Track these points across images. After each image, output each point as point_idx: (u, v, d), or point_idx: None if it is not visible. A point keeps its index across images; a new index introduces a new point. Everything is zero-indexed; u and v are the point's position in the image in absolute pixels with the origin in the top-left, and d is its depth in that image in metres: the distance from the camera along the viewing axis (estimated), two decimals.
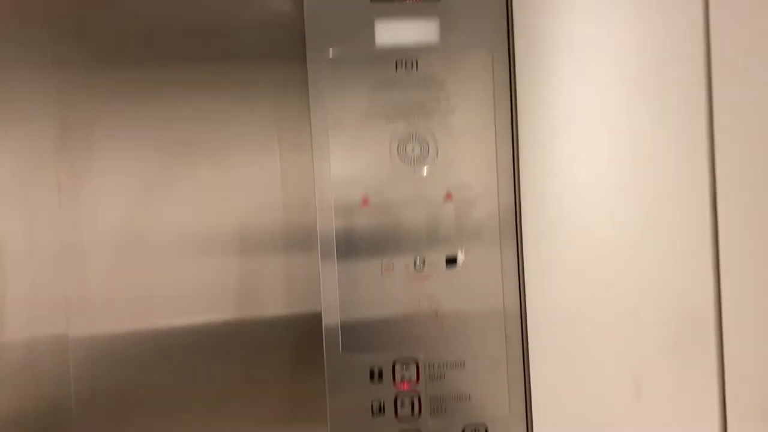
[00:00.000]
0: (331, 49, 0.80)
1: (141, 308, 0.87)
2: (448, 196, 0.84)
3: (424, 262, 0.84)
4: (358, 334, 0.85)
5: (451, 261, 0.85)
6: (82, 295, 0.85)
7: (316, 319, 0.87)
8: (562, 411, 0.77)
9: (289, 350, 0.92)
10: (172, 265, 0.87)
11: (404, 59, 0.78)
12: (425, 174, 0.85)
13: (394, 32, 0.70)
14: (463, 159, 0.84)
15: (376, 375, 0.85)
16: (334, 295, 0.84)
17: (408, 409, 0.86)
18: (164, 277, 0.87)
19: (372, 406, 0.85)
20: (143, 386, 0.88)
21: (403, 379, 0.86)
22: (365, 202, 0.84)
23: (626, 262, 0.59)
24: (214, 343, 0.90)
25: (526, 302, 0.86)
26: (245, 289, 0.91)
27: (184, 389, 0.91)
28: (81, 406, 0.87)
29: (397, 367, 0.86)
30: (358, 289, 0.85)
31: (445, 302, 0.85)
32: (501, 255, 0.86)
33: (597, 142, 0.58)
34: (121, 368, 0.87)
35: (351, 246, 0.85)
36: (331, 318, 0.85)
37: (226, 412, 0.92)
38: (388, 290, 0.85)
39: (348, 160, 0.84)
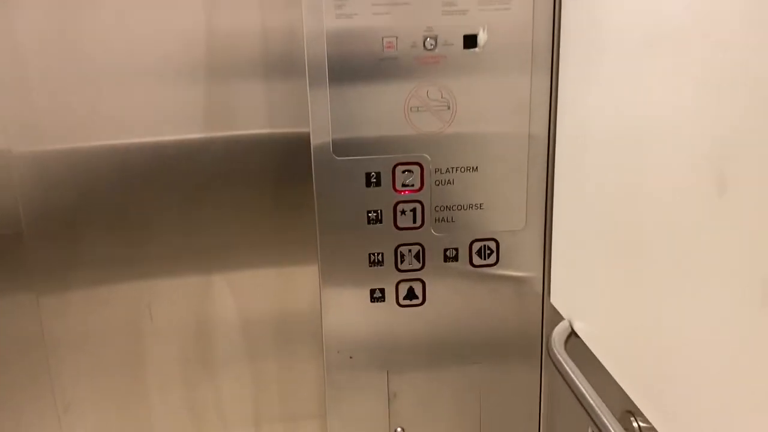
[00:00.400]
0: None
1: (93, 127, 0.75)
2: None
3: (435, 41, 0.68)
4: (352, 141, 0.71)
5: (470, 40, 0.69)
6: (24, 113, 0.73)
7: (302, 138, 0.73)
8: (584, 227, 0.66)
9: (273, 168, 0.79)
10: (133, 85, 0.74)
11: None
12: None
13: None
14: None
15: (373, 180, 0.72)
16: (324, 110, 0.69)
17: (409, 219, 0.74)
18: (126, 96, 0.74)
19: (368, 215, 0.73)
20: (98, 204, 0.77)
21: (404, 184, 0.73)
22: None
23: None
24: (182, 160, 0.77)
25: (557, 119, 0.72)
26: (217, 111, 0.77)
27: (150, 206, 0.79)
28: (31, 228, 0.77)
29: (398, 172, 0.72)
30: (355, 84, 0.69)
31: (461, 93, 0.71)
32: (532, 37, 0.70)
33: None
34: (72, 186, 0.76)
35: (345, 36, 0.68)
36: (321, 136, 0.70)
37: (197, 228, 0.80)
38: (387, 74, 0.69)
39: None
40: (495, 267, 0.77)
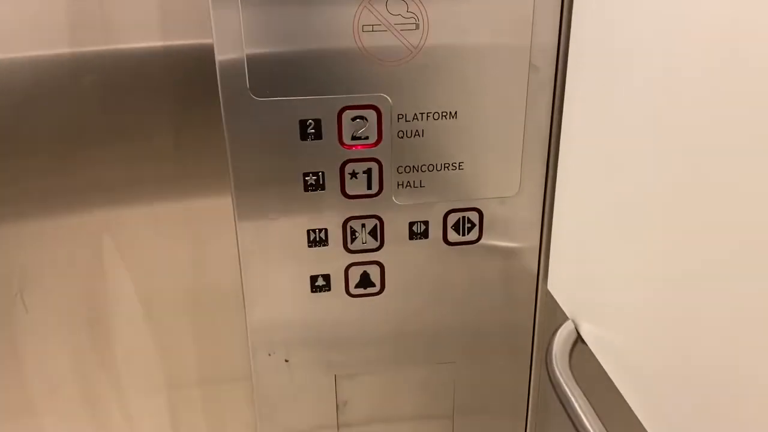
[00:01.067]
0: None
1: None
2: None
3: None
4: (276, 73, 0.49)
5: None
6: None
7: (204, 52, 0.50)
8: (601, 194, 0.47)
9: (169, 91, 0.57)
10: None
11: None
12: None
13: None
14: None
15: (310, 130, 0.52)
16: (233, 17, 0.47)
17: (362, 184, 0.54)
18: None
19: (305, 179, 0.53)
20: None
21: (355, 137, 0.52)
22: None
23: None
24: (46, 83, 0.55)
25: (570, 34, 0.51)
26: (86, 20, 0.53)
27: (11, 141, 0.56)
28: None
29: (346, 119, 0.52)
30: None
31: (434, 5, 0.49)
32: None
33: None
34: None
35: None
36: (228, 51, 0.48)
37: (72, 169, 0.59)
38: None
39: None
40: (476, 245, 0.58)
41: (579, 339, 0.53)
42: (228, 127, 0.51)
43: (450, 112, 0.53)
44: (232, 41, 0.48)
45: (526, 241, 0.58)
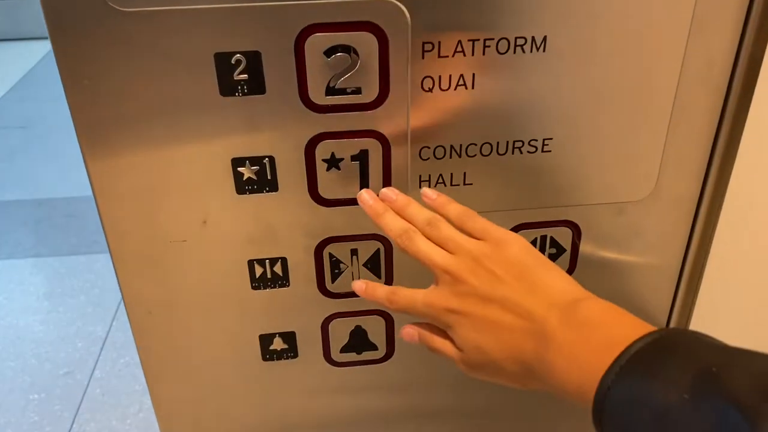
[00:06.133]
0: None
1: None
2: None
3: None
4: None
5: None
6: None
7: None
8: None
9: None
10: None
11: None
12: None
13: None
14: None
15: (238, 75, 0.25)
16: None
17: (350, 178, 0.28)
18: None
19: (236, 170, 0.27)
20: None
21: (334, 88, 0.25)
22: None
23: None
24: None
25: None
26: None
27: None
28: None
29: (315, 51, 0.24)
30: None
31: None
32: None
33: None
34: None
35: None
36: None
37: None
38: None
39: None
40: None
41: None
42: (61, 65, 0.24)
43: (531, 40, 0.25)
44: None
45: (656, 276, 0.32)
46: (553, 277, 0.27)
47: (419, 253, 0.28)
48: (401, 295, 0.29)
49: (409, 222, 0.29)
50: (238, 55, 0.25)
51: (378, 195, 0.28)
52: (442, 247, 0.28)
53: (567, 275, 0.28)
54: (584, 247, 0.31)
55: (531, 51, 0.25)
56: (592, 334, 0.26)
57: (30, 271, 1.10)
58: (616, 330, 0.25)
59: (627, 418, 0.24)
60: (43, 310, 1.01)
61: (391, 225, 0.29)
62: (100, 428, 0.81)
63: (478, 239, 0.28)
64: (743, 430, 0.21)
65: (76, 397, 0.85)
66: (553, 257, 0.31)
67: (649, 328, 0.25)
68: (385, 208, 0.28)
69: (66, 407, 0.84)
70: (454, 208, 0.29)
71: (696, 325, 0.33)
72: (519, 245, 0.27)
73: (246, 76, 0.25)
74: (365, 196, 0.29)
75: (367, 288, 0.29)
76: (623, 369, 0.24)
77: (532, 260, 0.27)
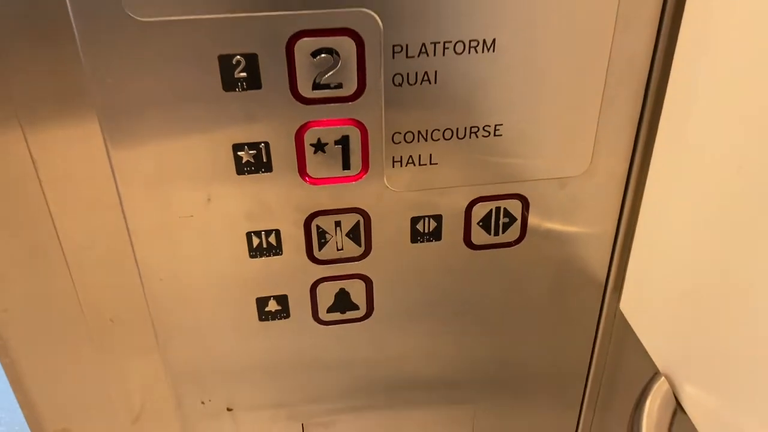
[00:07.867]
0: None
1: None
2: None
3: None
4: None
5: None
6: None
7: None
8: (718, 176, 0.27)
9: None
10: None
11: None
12: None
13: None
14: None
15: (239, 73, 0.30)
16: None
17: (334, 160, 0.33)
18: None
19: (236, 153, 0.32)
20: None
21: (320, 83, 0.30)
22: None
23: None
24: None
25: None
26: None
27: None
28: None
29: (303, 53, 0.30)
30: None
31: None
32: None
33: None
34: None
35: None
36: None
37: None
38: None
39: None
40: (515, 248, 0.37)
41: (678, 408, 0.34)
42: (90, 66, 0.29)
43: (482, 42, 0.30)
44: None
45: (594, 243, 0.37)
46: None
47: None
48: None
49: None
50: (238, 56, 0.29)
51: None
52: None
53: None
54: (532, 218, 0.36)
55: (483, 51, 0.31)
56: None
57: None
58: None
59: None
60: None
61: None
62: None
63: None
64: None
65: None
66: (506, 226, 0.36)
67: None
68: None
69: None
70: None
71: (629, 280, 0.38)
72: None
73: (245, 74, 0.30)
74: None
75: None
76: None
77: None
